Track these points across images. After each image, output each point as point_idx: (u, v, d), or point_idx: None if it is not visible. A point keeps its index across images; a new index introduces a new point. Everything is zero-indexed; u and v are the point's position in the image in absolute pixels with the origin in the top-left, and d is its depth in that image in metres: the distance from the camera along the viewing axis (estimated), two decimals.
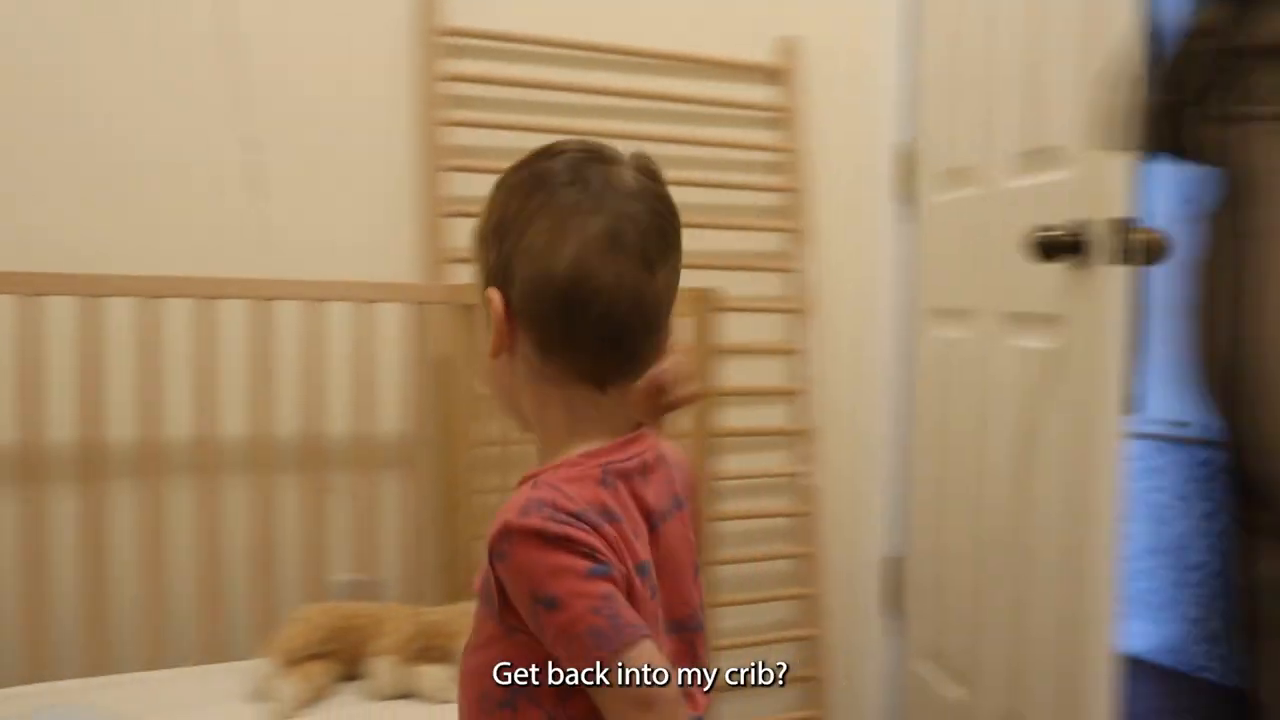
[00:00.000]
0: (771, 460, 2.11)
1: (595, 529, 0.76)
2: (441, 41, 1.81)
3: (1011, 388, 1.74)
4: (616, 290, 0.79)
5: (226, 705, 1.51)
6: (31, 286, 1.49)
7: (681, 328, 0.95)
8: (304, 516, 1.69)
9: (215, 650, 1.66)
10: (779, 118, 2.08)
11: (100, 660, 1.59)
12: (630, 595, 0.78)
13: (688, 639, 0.87)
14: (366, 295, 1.69)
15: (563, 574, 0.74)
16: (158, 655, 1.62)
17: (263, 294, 1.61)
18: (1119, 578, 1.51)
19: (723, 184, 2.02)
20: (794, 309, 2.08)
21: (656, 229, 0.82)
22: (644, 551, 0.81)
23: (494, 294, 0.81)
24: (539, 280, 0.79)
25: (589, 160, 0.83)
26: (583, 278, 0.78)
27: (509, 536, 0.75)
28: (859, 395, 2.16)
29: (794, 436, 2.11)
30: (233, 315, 1.61)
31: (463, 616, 1.52)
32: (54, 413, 1.52)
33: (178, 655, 1.68)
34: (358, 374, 1.68)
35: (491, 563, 0.77)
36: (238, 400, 1.64)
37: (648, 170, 0.86)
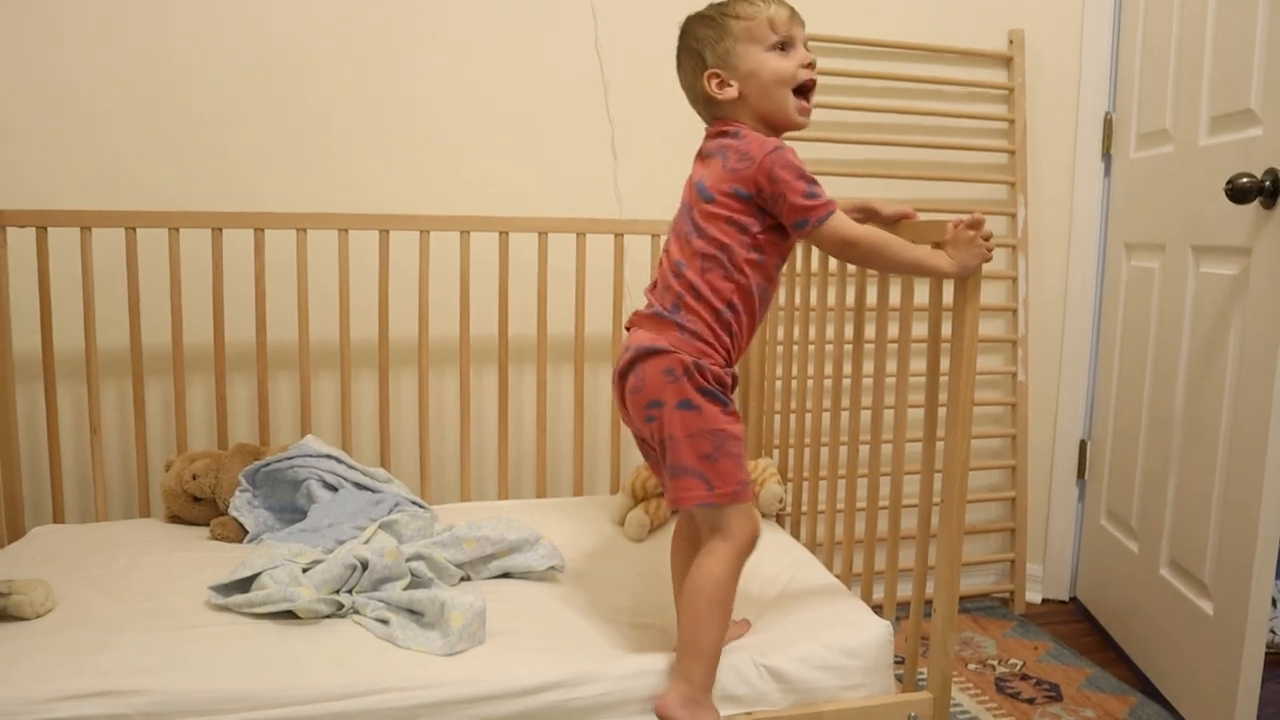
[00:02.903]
0: (990, 361, 2.72)
1: None
2: None
3: (1196, 306, 2.12)
4: None
5: (594, 526, 2.09)
6: (378, 224, 2.13)
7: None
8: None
9: (586, 486, 2.40)
10: (1003, 94, 2.65)
11: (508, 490, 2.33)
12: None
13: None
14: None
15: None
16: (544, 488, 2.32)
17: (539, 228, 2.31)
18: None
19: (959, 146, 2.59)
20: (1011, 245, 2.66)
21: None
22: None
23: None
24: None
25: None
26: None
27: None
28: (1061, 312, 2.73)
29: (1008, 343, 2.71)
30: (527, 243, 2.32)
31: (763, 470, 2.17)
32: (478, 317, 2.27)
33: (558, 489, 2.46)
34: None
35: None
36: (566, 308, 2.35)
37: None
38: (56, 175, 2.11)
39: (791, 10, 1.46)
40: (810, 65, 1.47)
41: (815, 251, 1.98)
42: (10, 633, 1.45)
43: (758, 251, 1.42)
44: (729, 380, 1.43)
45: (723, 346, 1.42)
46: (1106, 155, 2.63)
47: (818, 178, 1.41)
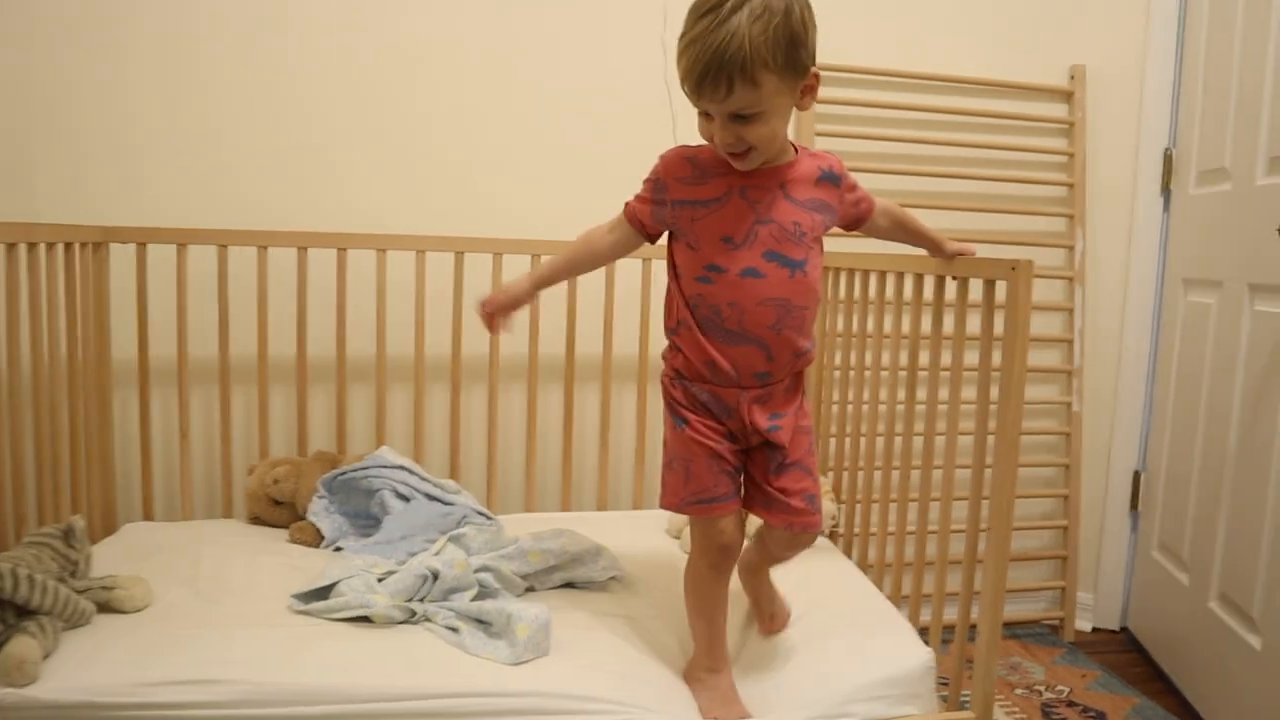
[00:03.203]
0: (1045, 391, 2.76)
1: None
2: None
3: (1252, 343, 2.15)
4: None
5: (652, 539, 2.15)
6: (450, 245, 2.34)
7: (1000, 289, 1.58)
8: None
9: (646, 500, 2.49)
10: (1063, 129, 2.69)
11: (570, 502, 2.43)
12: None
13: None
14: None
15: None
16: (605, 501, 2.42)
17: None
18: None
19: (1019, 179, 2.64)
20: (1068, 276, 2.70)
21: None
22: None
23: (818, 72, 1.36)
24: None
25: None
26: None
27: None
28: (1117, 344, 2.76)
29: (1064, 374, 2.75)
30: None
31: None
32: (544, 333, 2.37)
33: (618, 502, 2.55)
34: None
35: (844, 179, 1.50)
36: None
37: None
38: (154, 194, 2.25)
39: (704, 77, 1.29)
40: (726, 140, 1.37)
41: (872, 280, 2.05)
42: (112, 624, 1.56)
43: (673, 264, 1.51)
44: (687, 397, 1.50)
45: (677, 362, 1.52)
46: (1166, 191, 2.66)
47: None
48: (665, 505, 1.52)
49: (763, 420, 1.49)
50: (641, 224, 1.52)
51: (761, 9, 1.26)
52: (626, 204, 1.54)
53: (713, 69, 1.27)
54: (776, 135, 1.39)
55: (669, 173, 1.47)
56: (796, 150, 1.50)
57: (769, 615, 1.70)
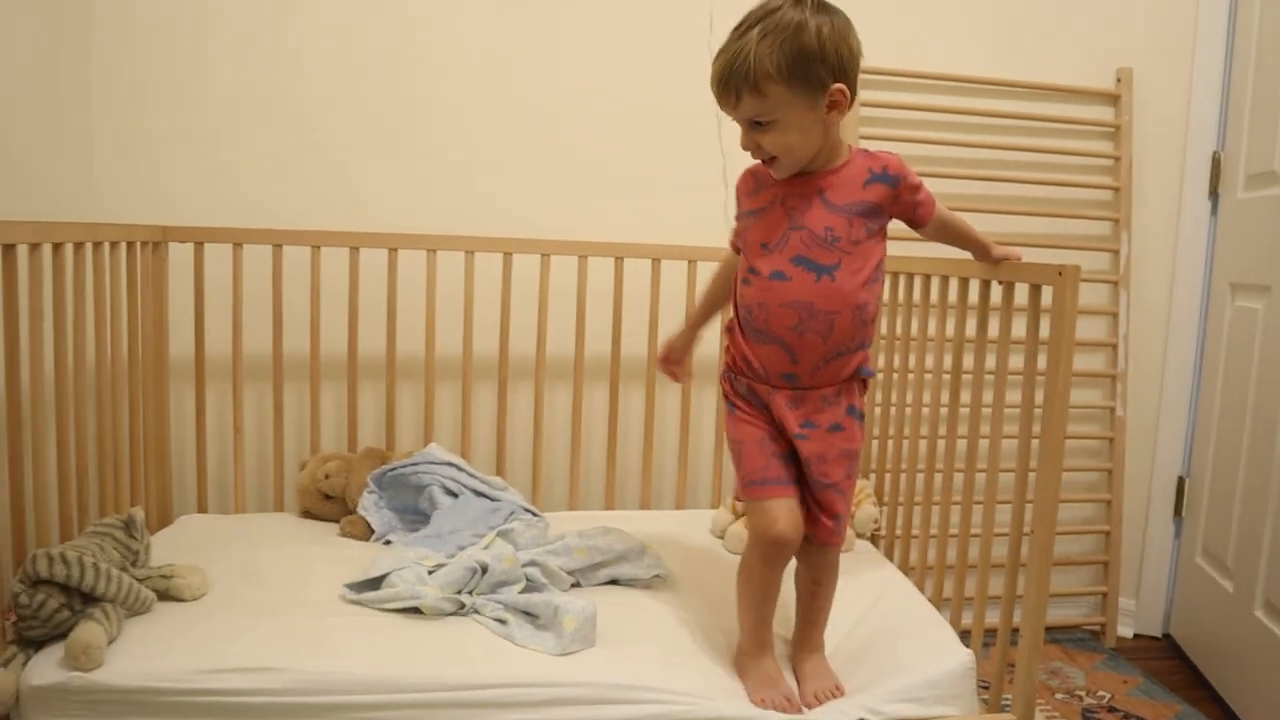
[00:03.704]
0: (1089, 395, 2.75)
1: None
2: (861, 77, 2.53)
3: None
4: None
5: (695, 538, 2.17)
6: (507, 247, 2.37)
7: (1047, 293, 1.59)
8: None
9: (688, 499, 2.51)
10: (1109, 132, 2.68)
11: (614, 500, 2.46)
12: None
13: None
14: None
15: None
16: (649, 499, 2.45)
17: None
18: None
19: (1063, 182, 2.63)
20: (1113, 280, 2.69)
21: None
22: None
23: (843, 87, 1.41)
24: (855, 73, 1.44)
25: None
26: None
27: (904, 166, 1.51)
28: (1162, 348, 2.75)
29: (1108, 378, 2.74)
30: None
31: (860, 491, 2.23)
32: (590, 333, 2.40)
33: (661, 502, 2.57)
34: None
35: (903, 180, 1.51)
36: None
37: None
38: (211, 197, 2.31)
39: (719, 86, 1.45)
40: (747, 146, 1.50)
41: (917, 282, 2.06)
42: (172, 611, 1.61)
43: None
44: (734, 388, 1.60)
45: (727, 356, 1.63)
46: (1213, 194, 2.65)
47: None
48: (736, 496, 1.60)
49: (793, 424, 1.53)
50: (731, 240, 1.67)
51: (773, 26, 1.38)
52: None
53: (723, 79, 1.42)
54: (795, 145, 1.45)
55: (738, 188, 1.62)
56: (852, 154, 1.53)
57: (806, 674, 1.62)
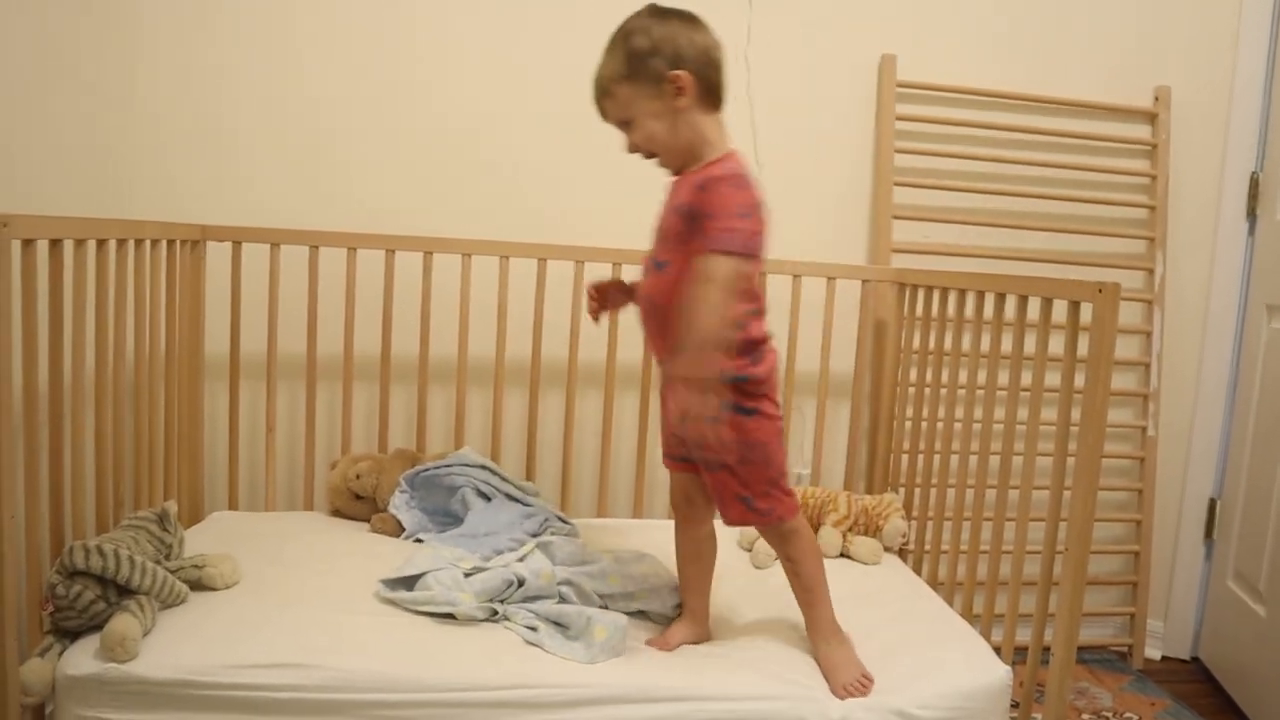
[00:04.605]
0: (1121, 414, 2.73)
1: None
2: (897, 91, 2.54)
3: None
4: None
5: (722, 550, 2.01)
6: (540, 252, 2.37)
7: (1085, 310, 1.59)
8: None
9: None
10: (1146, 150, 2.67)
11: (642, 508, 2.46)
12: None
13: None
14: (831, 273, 2.44)
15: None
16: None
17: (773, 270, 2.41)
18: None
19: (1099, 200, 2.62)
20: (1147, 299, 2.67)
21: None
22: None
23: (681, 73, 1.49)
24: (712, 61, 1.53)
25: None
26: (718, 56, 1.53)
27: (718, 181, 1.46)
28: (1195, 369, 2.72)
29: (1140, 397, 2.72)
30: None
31: (889, 504, 2.25)
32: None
33: None
34: (824, 328, 2.45)
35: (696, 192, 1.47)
36: None
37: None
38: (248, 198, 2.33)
39: (595, 105, 1.59)
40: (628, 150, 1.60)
41: (951, 298, 2.05)
42: (205, 602, 1.63)
43: None
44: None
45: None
46: (1251, 215, 2.63)
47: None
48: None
49: (671, 407, 1.53)
50: None
51: (613, 40, 1.55)
52: None
53: (593, 97, 1.58)
54: (658, 135, 1.54)
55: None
56: (724, 158, 1.54)
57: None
